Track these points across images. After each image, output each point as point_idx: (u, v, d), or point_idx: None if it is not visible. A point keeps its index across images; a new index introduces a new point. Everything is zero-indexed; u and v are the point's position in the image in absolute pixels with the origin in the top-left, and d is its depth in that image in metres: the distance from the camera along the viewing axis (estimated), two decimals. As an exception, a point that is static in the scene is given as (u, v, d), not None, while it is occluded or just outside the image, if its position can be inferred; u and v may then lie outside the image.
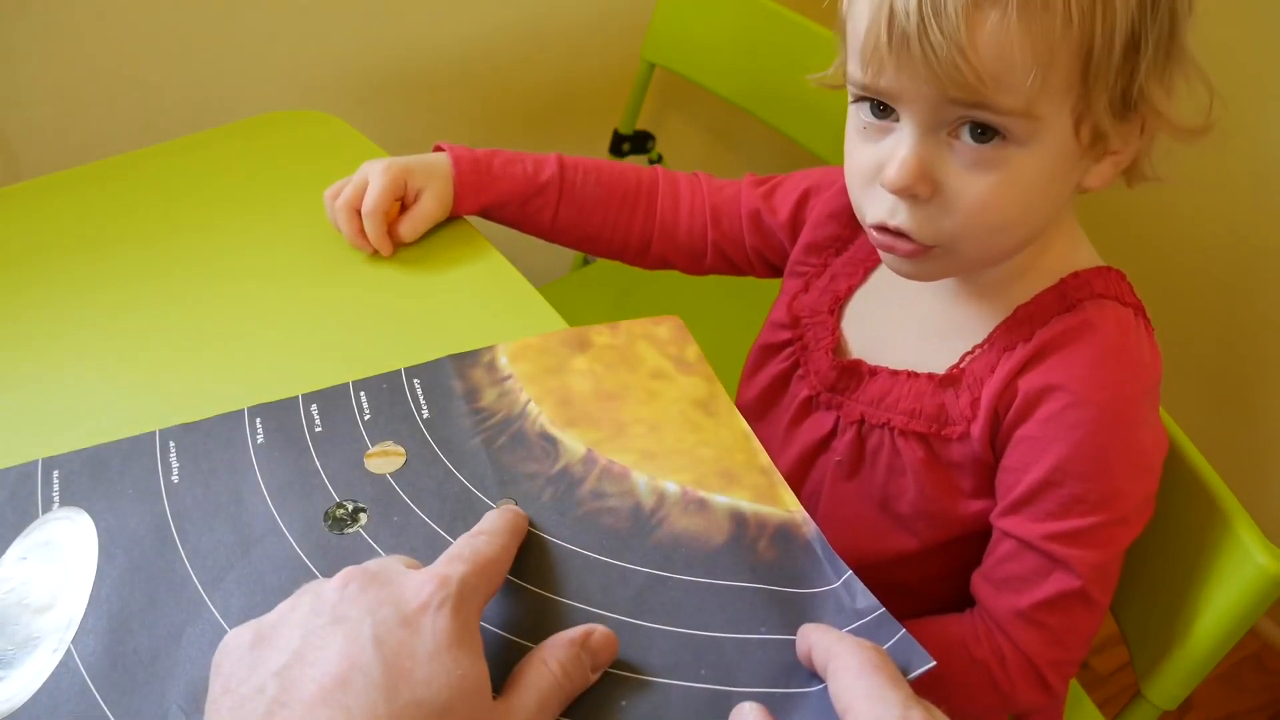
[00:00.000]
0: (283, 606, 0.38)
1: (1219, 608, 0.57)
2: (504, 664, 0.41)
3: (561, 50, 1.22)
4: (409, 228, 0.69)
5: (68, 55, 0.93)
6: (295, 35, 1.04)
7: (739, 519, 0.48)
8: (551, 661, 0.39)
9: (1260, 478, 1.21)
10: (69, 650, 0.43)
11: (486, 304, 0.66)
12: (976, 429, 0.56)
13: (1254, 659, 1.29)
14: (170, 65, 0.98)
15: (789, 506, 0.48)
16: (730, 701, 0.40)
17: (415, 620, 0.36)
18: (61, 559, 0.47)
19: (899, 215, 0.52)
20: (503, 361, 0.56)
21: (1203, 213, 1.13)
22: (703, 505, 0.48)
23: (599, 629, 0.41)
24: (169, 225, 0.74)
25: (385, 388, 0.55)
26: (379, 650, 0.35)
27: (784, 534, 0.47)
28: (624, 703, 0.40)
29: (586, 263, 1.30)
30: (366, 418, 0.53)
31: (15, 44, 0.90)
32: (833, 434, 0.64)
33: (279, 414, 0.54)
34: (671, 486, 0.49)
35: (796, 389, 0.66)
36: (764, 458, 0.51)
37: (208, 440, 0.52)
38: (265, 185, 0.78)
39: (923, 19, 0.46)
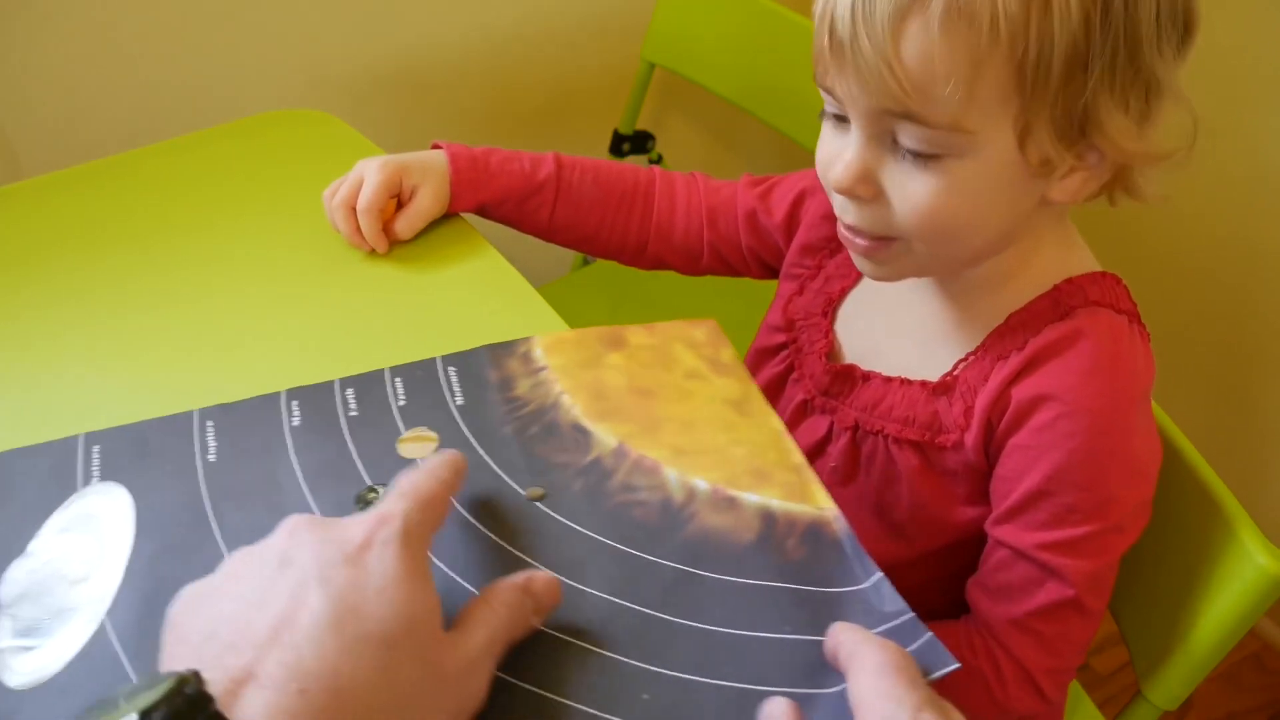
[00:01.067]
0: (234, 557, 0.39)
1: (1219, 608, 0.57)
2: (537, 653, 0.41)
3: (561, 50, 1.22)
4: (405, 225, 0.69)
5: (67, 54, 0.93)
6: (294, 35, 1.04)
7: (768, 518, 0.47)
8: (496, 603, 0.40)
9: (1260, 478, 1.21)
10: (103, 622, 0.43)
11: (485, 304, 0.66)
12: (970, 438, 0.56)
13: (1254, 659, 1.28)
14: (170, 64, 0.98)
15: (820, 504, 0.48)
16: (754, 699, 0.40)
17: (360, 557, 0.37)
18: (99, 532, 0.47)
19: (849, 213, 0.54)
20: (537, 353, 0.57)
21: (1202, 213, 1.13)
22: (732, 503, 0.48)
23: (541, 574, 0.42)
24: (168, 224, 0.74)
25: (420, 374, 0.55)
26: (325, 588, 0.36)
27: (813, 532, 0.47)
28: (646, 696, 0.40)
29: (586, 263, 1.30)
30: (401, 403, 0.54)
31: (15, 43, 0.90)
32: (827, 439, 0.64)
33: (314, 397, 0.54)
34: (702, 484, 0.49)
35: (792, 392, 0.66)
36: (797, 456, 0.50)
37: (244, 421, 0.53)
38: (264, 184, 0.78)
39: (854, 28, 0.47)
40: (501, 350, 0.57)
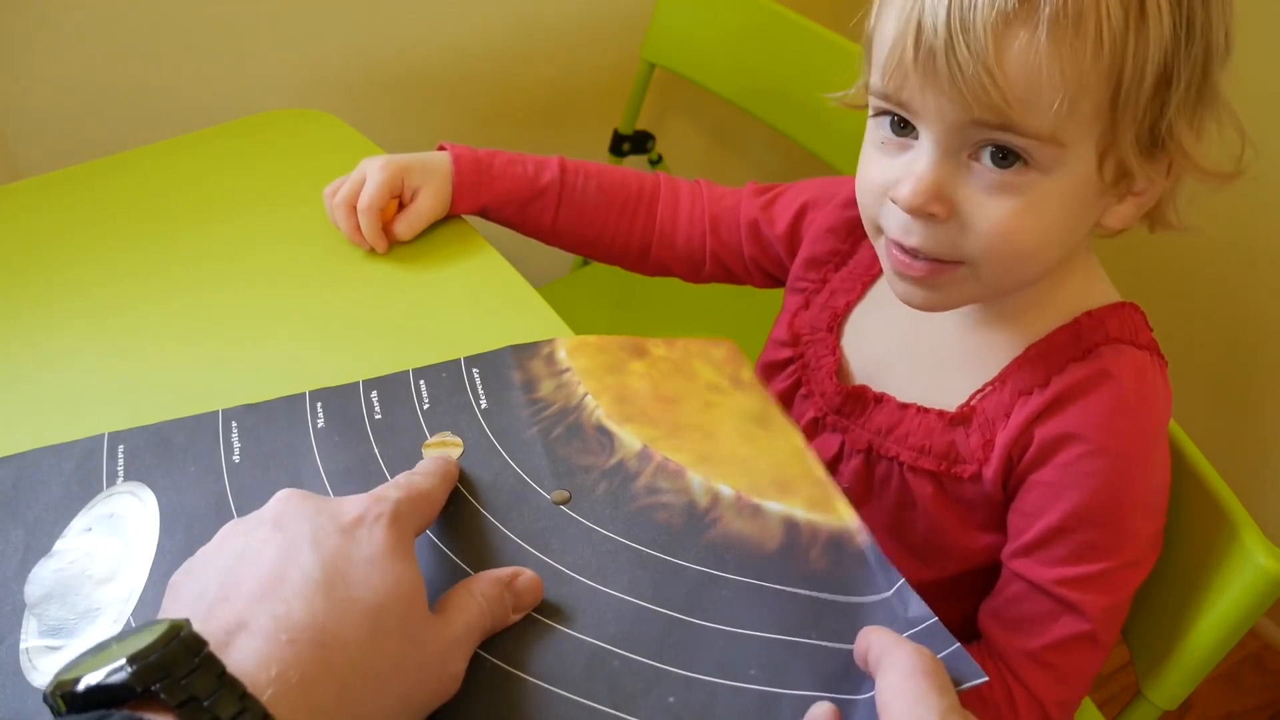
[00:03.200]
0: (226, 526, 0.40)
1: (1219, 608, 0.57)
2: (539, 647, 0.42)
3: (561, 50, 1.22)
4: (405, 226, 0.69)
5: (66, 53, 0.93)
6: (294, 34, 1.03)
7: (792, 527, 0.47)
8: (478, 594, 0.41)
9: (1260, 478, 1.21)
10: (128, 622, 0.43)
11: (485, 304, 0.66)
12: (989, 471, 0.56)
13: (1254, 659, 1.28)
14: (168, 63, 0.98)
15: (843, 516, 0.48)
16: (779, 704, 0.40)
17: (352, 530, 0.38)
18: (124, 532, 0.47)
19: (913, 235, 0.50)
20: (561, 355, 0.57)
21: (1202, 212, 1.13)
22: (756, 511, 0.48)
23: (526, 572, 0.43)
24: (167, 223, 0.74)
25: (445, 376, 0.56)
26: (317, 551, 0.37)
27: (837, 543, 0.47)
28: (672, 699, 0.40)
29: (586, 264, 1.29)
30: (426, 407, 0.54)
31: (13, 42, 0.90)
32: (839, 458, 0.63)
33: (339, 399, 0.54)
34: (726, 490, 0.49)
35: (802, 409, 0.66)
36: (820, 470, 0.50)
37: (269, 422, 0.53)
38: (263, 184, 0.78)
39: (950, 35, 0.44)
40: (525, 351, 0.57)
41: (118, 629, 0.43)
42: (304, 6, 1.02)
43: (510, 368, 0.56)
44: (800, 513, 0.48)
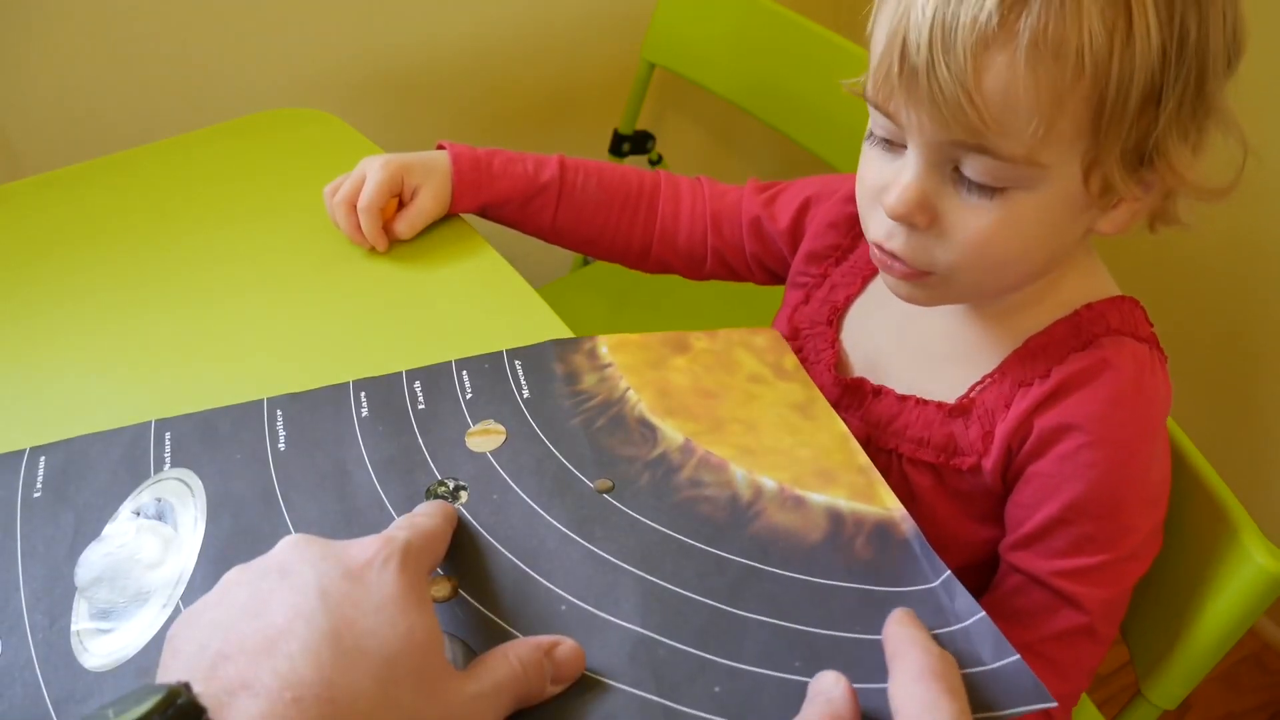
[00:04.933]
0: (230, 572, 0.38)
1: (1219, 608, 0.57)
2: (584, 635, 0.41)
3: (561, 50, 1.22)
4: (406, 224, 0.69)
5: (67, 52, 0.93)
6: (294, 33, 1.03)
7: (836, 517, 0.47)
8: (513, 658, 0.39)
9: (1260, 478, 1.21)
10: (178, 606, 0.44)
11: (485, 304, 0.66)
12: (988, 463, 0.56)
13: (1254, 659, 1.28)
14: (169, 63, 0.98)
15: (887, 505, 0.48)
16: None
17: (361, 574, 0.37)
18: (172, 517, 0.48)
19: (895, 239, 0.51)
20: (603, 351, 0.57)
21: (1203, 212, 1.13)
22: (800, 503, 0.48)
23: (567, 641, 0.41)
24: (167, 222, 0.74)
25: (487, 367, 0.56)
26: (324, 600, 0.35)
27: (881, 532, 0.47)
28: (718, 689, 0.40)
29: (586, 263, 1.29)
30: (468, 396, 0.54)
31: (15, 41, 0.90)
32: None
33: (383, 389, 0.55)
34: (769, 482, 0.49)
35: None
36: (862, 458, 0.50)
37: (314, 411, 0.53)
38: (263, 182, 0.78)
39: (932, 55, 0.45)
40: (567, 346, 0.57)
41: (168, 613, 0.44)
42: (304, 6, 1.02)
43: (552, 360, 0.56)
44: (844, 502, 0.48)
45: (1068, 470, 0.53)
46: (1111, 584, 0.54)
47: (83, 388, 0.59)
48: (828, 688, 0.38)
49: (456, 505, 0.47)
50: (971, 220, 0.49)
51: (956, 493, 0.58)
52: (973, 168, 0.48)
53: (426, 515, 0.43)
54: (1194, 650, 0.58)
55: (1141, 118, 0.46)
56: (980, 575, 0.60)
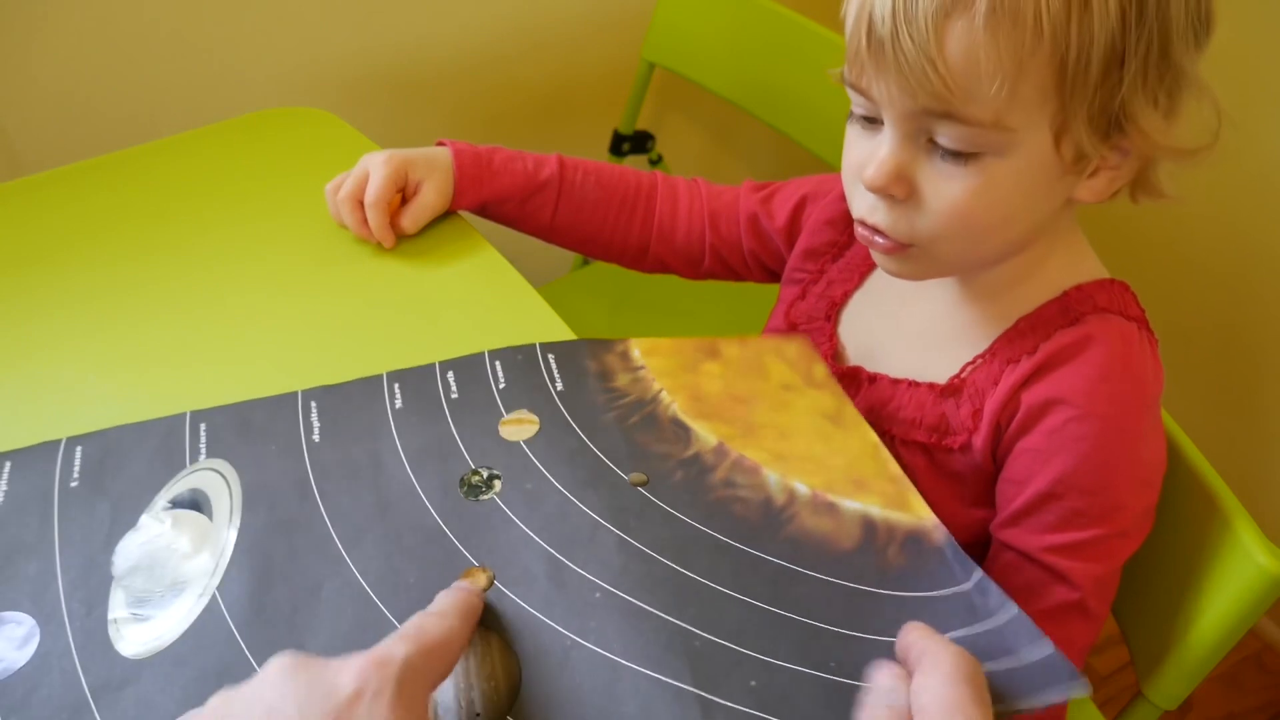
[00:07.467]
0: (216, 698, 0.36)
1: (1219, 608, 0.57)
2: (621, 624, 0.42)
3: (561, 50, 1.22)
4: (410, 219, 0.70)
5: (67, 51, 0.93)
6: (294, 32, 1.03)
7: (869, 525, 0.47)
8: None
9: (1260, 478, 1.20)
10: (214, 596, 0.44)
11: (485, 304, 0.66)
12: (978, 440, 0.56)
13: (1254, 659, 1.28)
14: (169, 62, 0.98)
15: (920, 514, 0.48)
16: (858, 696, 0.40)
17: (349, 712, 0.34)
18: (208, 507, 0.48)
19: (877, 213, 0.53)
20: (635, 354, 0.57)
21: (1203, 211, 1.13)
22: (832, 509, 0.48)
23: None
24: (167, 221, 0.74)
25: (520, 359, 0.56)
26: None
27: (914, 540, 0.47)
28: (754, 683, 0.40)
29: (586, 263, 1.29)
30: (501, 386, 0.54)
31: (15, 40, 0.90)
32: None
33: (416, 380, 0.55)
34: (802, 487, 0.49)
35: None
36: (894, 467, 0.51)
37: (348, 403, 0.54)
38: (263, 181, 0.78)
39: (895, 27, 0.47)
40: (599, 346, 0.57)
41: (204, 602, 0.44)
42: (303, 5, 1.02)
43: (585, 357, 0.56)
44: (877, 510, 0.48)
45: (1056, 444, 0.53)
46: (1102, 560, 0.54)
47: (82, 387, 0.59)
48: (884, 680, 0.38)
49: (483, 588, 0.45)
50: (946, 188, 0.50)
51: (949, 473, 0.59)
52: (945, 136, 0.49)
53: (438, 617, 0.40)
54: (1194, 650, 0.58)
55: (1106, 80, 0.47)
56: (972, 558, 0.60)
